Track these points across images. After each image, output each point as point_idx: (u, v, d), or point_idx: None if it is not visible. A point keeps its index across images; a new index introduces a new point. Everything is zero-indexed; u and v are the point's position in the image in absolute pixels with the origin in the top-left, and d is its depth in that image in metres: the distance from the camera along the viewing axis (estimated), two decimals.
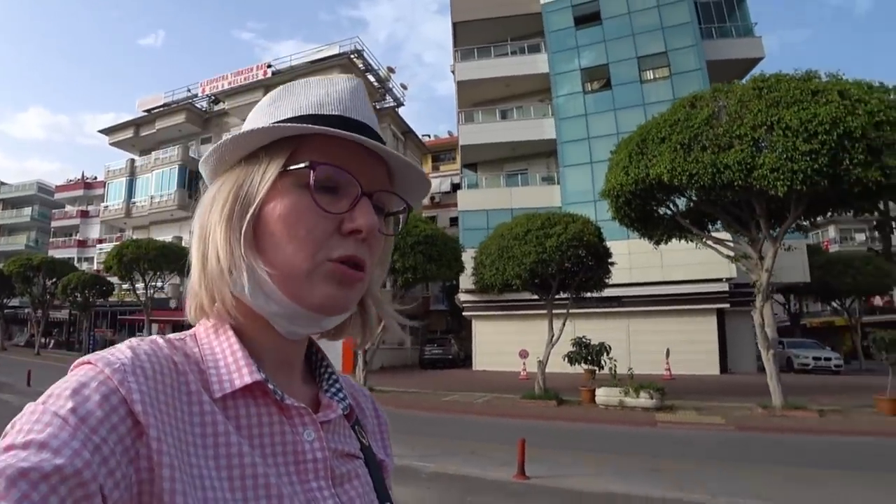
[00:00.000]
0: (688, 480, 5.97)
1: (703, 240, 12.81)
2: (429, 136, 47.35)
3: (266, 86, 28.82)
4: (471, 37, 26.95)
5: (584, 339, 14.44)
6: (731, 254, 12.38)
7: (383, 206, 0.56)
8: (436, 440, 8.42)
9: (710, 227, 13.80)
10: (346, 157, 0.51)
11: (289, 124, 0.51)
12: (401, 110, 34.62)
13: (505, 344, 22.00)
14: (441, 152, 43.82)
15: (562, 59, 24.55)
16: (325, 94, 0.54)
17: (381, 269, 0.60)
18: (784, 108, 9.23)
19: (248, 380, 0.49)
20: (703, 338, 21.43)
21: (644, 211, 13.00)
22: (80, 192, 44.48)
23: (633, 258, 21.08)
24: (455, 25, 27.25)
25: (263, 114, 0.55)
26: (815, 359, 22.41)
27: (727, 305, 21.81)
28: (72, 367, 0.45)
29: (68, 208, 44.53)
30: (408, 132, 35.90)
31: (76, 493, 0.36)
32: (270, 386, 0.50)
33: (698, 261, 19.65)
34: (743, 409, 11.64)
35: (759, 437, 8.98)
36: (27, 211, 46.92)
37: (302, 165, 0.50)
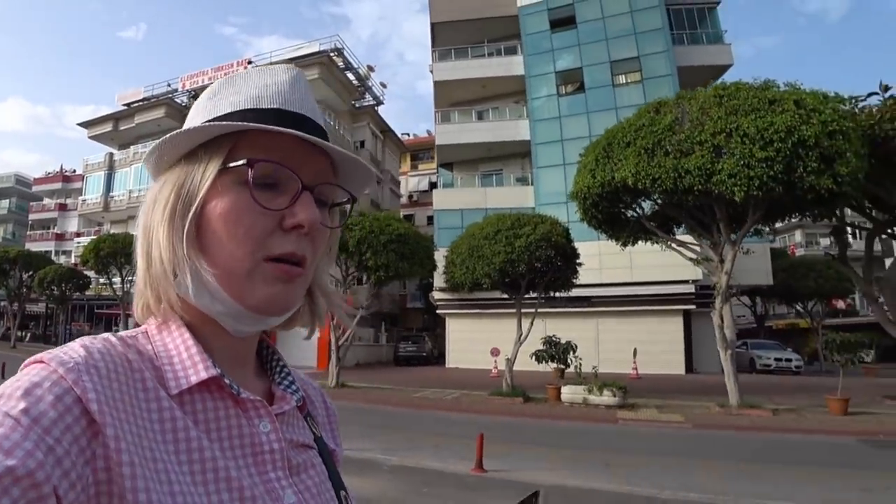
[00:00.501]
0: (639, 475, 6.17)
1: (668, 242, 13.14)
2: (408, 134, 47.35)
3: None
4: (449, 37, 27.08)
5: (553, 338, 14.67)
6: (694, 256, 12.72)
7: (327, 199, 0.56)
8: (402, 435, 8.51)
9: (675, 230, 14.16)
10: (285, 152, 0.51)
11: (223, 122, 0.51)
12: (381, 109, 34.61)
13: (477, 342, 22.20)
14: (420, 151, 43.86)
15: (537, 61, 24.84)
16: (264, 86, 0.54)
17: (327, 259, 0.61)
18: (742, 115, 9.54)
19: (203, 375, 0.49)
20: (670, 338, 21.93)
21: (611, 213, 13.28)
22: (58, 185, 43.68)
23: (603, 259, 21.48)
24: (433, 26, 27.35)
25: (203, 109, 0.55)
26: (776, 360, 23.10)
27: (693, 307, 22.35)
28: (23, 365, 0.44)
29: (46, 201, 43.75)
30: (386, 131, 35.83)
31: (29, 495, 0.35)
32: (226, 381, 0.51)
33: (666, 263, 20.08)
34: (702, 407, 12.00)
35: (714, 435, 9.29)
36: (4, 203, 46.38)
37: (240, 163, 0.50)
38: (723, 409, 11.37)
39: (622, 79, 23.46)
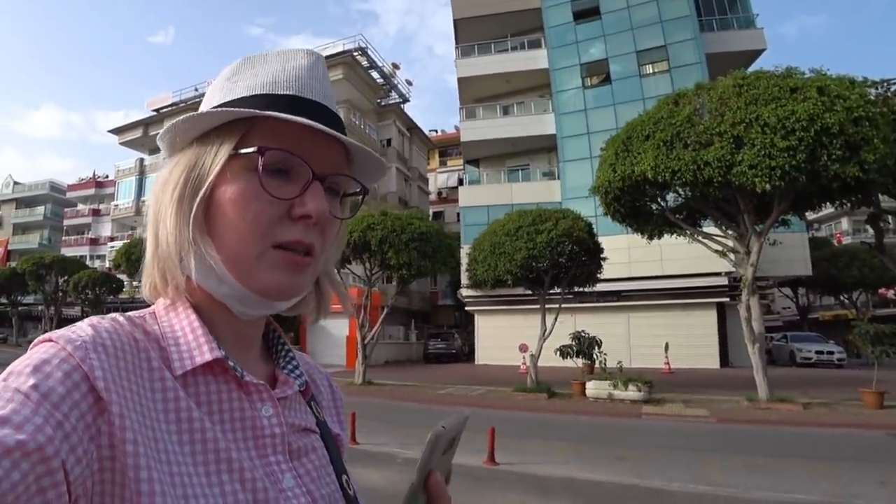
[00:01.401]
0: (651, 468, 6.22)
1: (693, 235, 12.95)
2: (436, 131, 47.53)
3: None
4: (472, 33, 27.11)
5: (582, 334, 14.60)
6: (720, 248, 12.50)
7: (338, 189, 0.56)
8: (421, 430, 8.69)
9: (700, 222, 13.92)
10: (298, 140, 0.51)
11: (236, 109, 0.51)
12: (410, 104, 34.97)
13: (506, 338, 22.27)
14: (448, 147, 43.91)
15: (561, 54, 24.63)
16: (282, 69, 0.54)
17: (336, 249, 0.61)
18: (763, 105, 9.35)
19: (208, 357, 0.49)
20: (703, 331, 21.50)
21: (634, 206, 13.17)
22: (91, 191, 45.21)
23: (632, 252, 21.21)
24: (456, 22, 27.41)
25: (220, 89, 0.55)
26: (817, 353, 22.35)
27: (727, 299, 21.82)
28: (32, 344, 0.45)
29: (80, 207, 45.20)
30: (413, 128, 36.05)
31: (38, 469, 0.36)
32: (230, 363, 0.51)
33: (697, 255, 19.64)
34: (731, 402, 11.81)
35: (738, 429, 9.17)
36: (40, 210, 47.68)
37: (251, 150, 0.50)
38: (751, 404, 11.18)
39: (649, 69, 23.03)
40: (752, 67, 23.77)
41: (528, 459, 6.55)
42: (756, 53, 23.55)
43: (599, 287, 22.09)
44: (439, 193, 41.72)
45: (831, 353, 22.07)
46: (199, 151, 0.52)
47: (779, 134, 9.10)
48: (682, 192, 11.93)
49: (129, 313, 0.52)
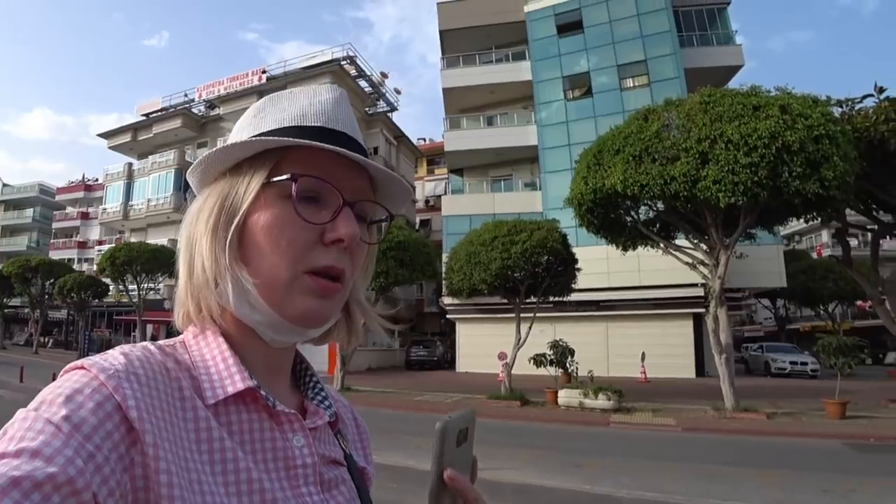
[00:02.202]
0: (605, 475, 6.37)
1: (665, 247, 13.21)
2: (424, 139, 47.81)
3: (260, 91, 29.20)
4: (458, 44, 27.45)
5: (561, 343, 14.71)
6: (690, 261, 12.76)
7: (365, 215, 0.57)
8: (389, 436, 8.81)
9: (674, 234, 14.20)
10: (327, 168, 0.52)
11: (270, 137, 0.52)
12: (401, 112, 35.42)
13: (486, 346, 22.37)
14: (436, 156, 44.06)
15: (545, 66, 25.02)
16: (308, 104, 0.56)
17: (364, 276, 0.62)
18: (727, 122, 9.64)
19: (240, 386, 0.50)
20: (679, 341, 21.81)
21: (609, 218, 13.42)
22: (80, 194, 44.98)
23: (610, 262, 21.52)
24: (442, 33, 27.75)
25: (248, 125, 0.57)
26: (791, 363, 22.74)
27: (703, 310, 22.09)
28: (63, 371, 0.44)
29: (69, 210, 45.03)
30: (400, 137, 36.17)
31: (69, 502, 0.35)
32: (262, 392, 0.51)
33: (674, 266, 19.69)
34: (699, 411, 12.04)
35: (701, 438, 9.37)
36: (29, 212, 47.57)
37: (284, 177, 0.51)
38: (717, 413, 11.41)
39: (630, 82, 23.48)
40: (733, 82, 24.44)
41: (488, 465, 6.66)
42: (734, 69, 24.10)
43: (578, 297, 22.38)
44: (427, 202, 41.85)
45: (805, 363, 22.47)
46: (232, 181, 0.54)
47: (742, 150, 9.38)
48: (653, 206, 12.18)
49: (160, 342, 0.53)
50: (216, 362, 0.52)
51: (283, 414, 0.52)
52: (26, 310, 35.95)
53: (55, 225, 44.77)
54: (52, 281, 30.46)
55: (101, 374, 0.42)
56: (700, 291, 22.09)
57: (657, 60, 22.85)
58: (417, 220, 40.23)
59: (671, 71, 22.52)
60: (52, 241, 44.12)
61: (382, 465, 6.55)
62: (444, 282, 16.15)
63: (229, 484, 0.46)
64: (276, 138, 0.52)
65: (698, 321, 23.34)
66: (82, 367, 0.43)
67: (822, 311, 30.79)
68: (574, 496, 5.53)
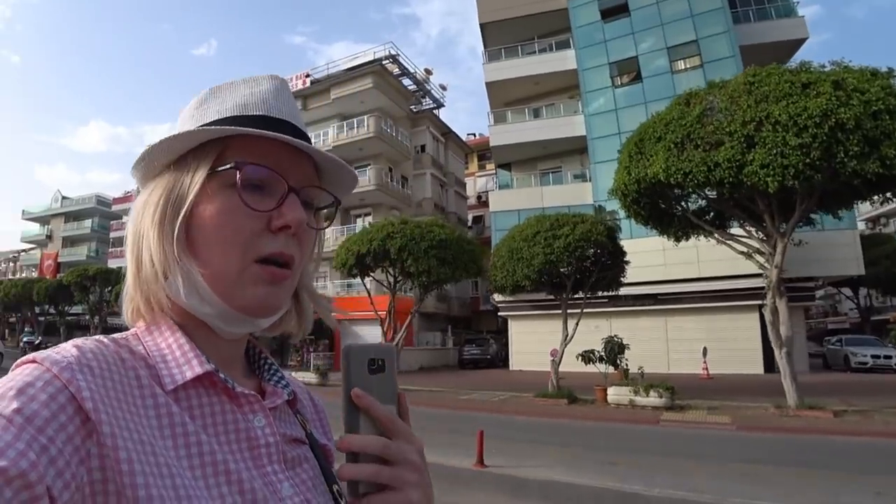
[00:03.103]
0: (638, 474, 6.19)
1: (717, 236, 12.58)
2: (473, 135, 47.56)
3: (304, 95, 30.11)
4: (499, 37, 27.21)
5: (616, 338, 14.28)
6: (745, 250, 12.09)
7: (312, 201, 0.57)
8: (427, 434, 8.95)
9: (728, 223, 13.49)
10: (272, 156, 0.52)
11: (212, 127, 0.52)
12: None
13: (538, 343, 22.11)
14: (487, 151, 43.79)
15: (590, 54, 24.37)
16: (250, 94, 0.56)
17: (314, 264, 0.62)
18: (773, 102, 9.06)
19: (198, 370, 0.50)
20: (745, 335, 20.67)
21: (657, 208, 12.94)
22: None
23: (667, 254, 20.70)
24: (483, 27, 27.55)
25: (190, 117, 0.56)
26: (873, 357, 20.99)
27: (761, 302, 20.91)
28: (14, 365, 0.44)
29: (126, 219, 47.62)
30: (448, 133, 36.17)
31: (22, 496, 0.35)
32: (221, 375, 0.52)
33: (735, 255, 18.93)
34: (759, 408, 11.42)
35: (755, 437, 8.88)
36: (87, 223, 49.61)
37: (228, 166, 0.51)
38: (778, 411, 10.78)
39: (681, 64, 22.47)
40: (796, 57, 22.93)
41: (520, 463, 6.64)
42: (797, 43, 22.55)
43: (634, 290, 21.77)
44: (479, 197, 41.63)
45: (889, 357, 20.68)
46: (177, 174, 0.53)
47: (791, 131, 8.79)
48: (701, 194, 11.63)
49: (113, 335, 0.52)
50: (172, 350, 0.52)
51: (243, 395, 0.53)
52: (87, 317, 37.83)
53: (113, 234, 46.47)
54: (109, 288, 32.07)
55: (54, 367, 0.42)
56: (765, 282, 20.89)
57: (709, 40, 21.72)
58: (470, 216, 40.21)
59: (725, 50, 21.34)
60: (110, 249, 45.91)
61: None
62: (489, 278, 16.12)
63: (195, 466, 0.46)
64: (218, 127, 0.52)
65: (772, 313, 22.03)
66: (34, 361, 0.43)
67: None
68: (599, 493, 5.43)
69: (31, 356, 0.44)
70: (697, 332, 21.10)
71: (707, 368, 19.37)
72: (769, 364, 21.30)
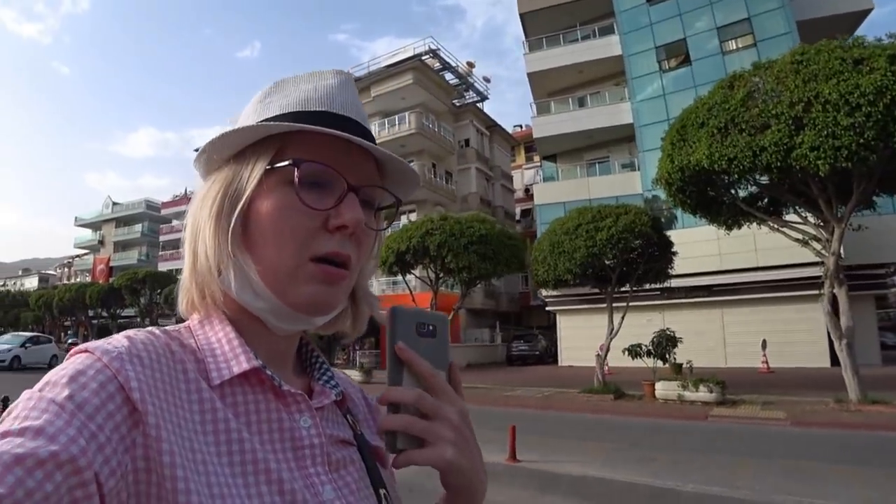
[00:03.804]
0: (674, 470, 6.09)
1: (771, 224, 12.01)
2: (521, 126, 46.99)
3: None
4: (540, 26, 26.72)
5: (668, 331, 13.84)
6: (801, 237, 11.48)
7: (372, 201, 0.56)
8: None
9: (782, 209, 12.82)
10: (332, 153, 0.52)
11: (271, 123, 0.52)
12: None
13: (587, 338, 21.73)
14: (533, 142, 43.18)
15: (635, 38, 23.60)
16: (313, 88, 0.55)
17: (372, 262, 0.61)
18: (823, 81, 8.56)
19: (245, 366, 0.50)
20: (807, 326, 19.53)
21: (705, 196, 12.48)
22: (184, 207, 46.16)
23: (722, 244, 19.86)
24: (522, 17, 27.11)
25: (253, 111, 0.56)
26: None
27: (817, 291, 19.67)
28: (68, 354, 0.45)
29: (174, 223, 47.60)
30: (493, 126, 35.82)
31: (71, 480, 0.36)
32: (268, 372, 0.51)
33: (794, 243, 18.01)
34: (819, 403, 10.86)
35: (810, 433, 8.48)
36: (137, 227, 50.95)
37: (286, 163, 0.50)
38: (838, 406, 10.22)
39: (732, 45, 21.40)
40: (859, 31, 21.39)
41: (550, 458, 6.67)
42: (861, 15, 21.07)
43: (688, 282, 21.06)
44: (526, 190, 41.07)
45: None
46: (236, 168, 0.53)
47: (842, 111, 8.29)
48: (751, 179, 11.12)
49: (166, 327, 0.53)
50: (221, 344, 0.52)
51: (290, 394, 0.52)
52: (138, 320, 39.43)
53: (162, 238, 47.43)
54: (159, 291, 33.21)
55: (105, 357, 0.43)
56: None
57: (763, 17, 20.58)
58: (518, 210, 39.85)
59: (781, 26, 20.16)
60: (160, 253, 46.91)
61: None
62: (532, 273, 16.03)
63: (234, 464, 0.46)
64: (276, 123, 0.52)
65: (835, 303, 20.71)
66: (87, 350, 0.44)
67: None
68: (631, 488, 5.39)
69: (83, 346, 0.45)
70: (756, 324, 20.14)
71: (767, 362, 18.51)
72: (836, 357, 20.05)
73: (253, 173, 0.52)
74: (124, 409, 0.41)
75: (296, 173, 0.50)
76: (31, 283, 70.12)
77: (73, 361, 0.43)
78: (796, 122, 8.84)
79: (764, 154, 9.10)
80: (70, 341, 33.84)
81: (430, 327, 0.53)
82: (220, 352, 0.51)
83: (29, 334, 24.48)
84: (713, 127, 9.94)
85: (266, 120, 0.53)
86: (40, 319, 46.06)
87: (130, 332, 0.48)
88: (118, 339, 0.46)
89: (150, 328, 0.51)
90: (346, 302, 0.58)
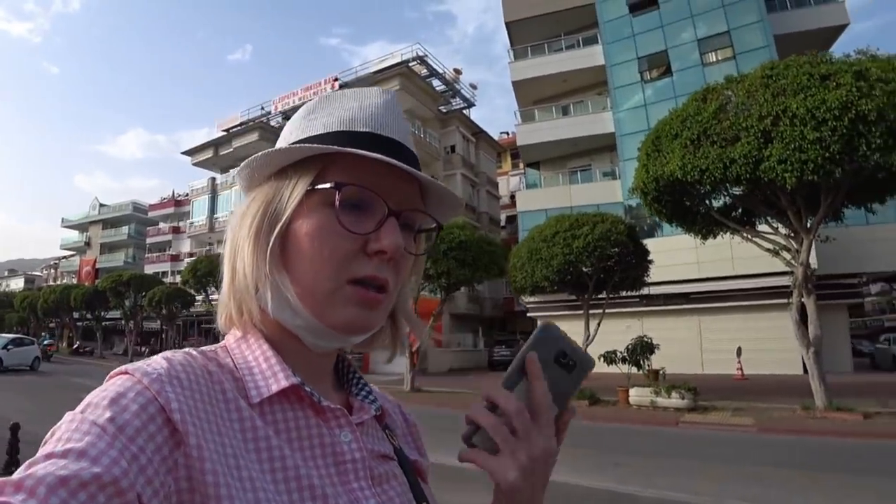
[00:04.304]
0: (638, 475, 6.19)
1: (743, 234, 12.25)
2: (507, 133, 47.31)
3: None
4: (526, 35, 27.04)
5: (646, 339, 14.00)
6: (772, 247, 11.73)
7: (413, 224, 0.56)
8: (436, 434, 9.07)
9: (755, 219, 13.10)
10: (374, 176, 0.51)
11: (313, 145, 0.51)
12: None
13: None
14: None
15: (618, 49, 23.96)
16: (358, 108, 0.55)
17: (413, 285, 0.62)
18: (791, 95, 8.80)
19: (284, 383, 0.50)
20: (782, 334, 19.81)
21: (680, 206, 12.70)
22: (171, 210, 47.49)
23: (700, 252, 20.12)
24: (508, 25, 27.43)
25: (297, 128, 0.56)
26: None
27: (787, 300, 20.06)
28: (108, 376, 0.46)
29: (161, 225, 47.45)
30: (479, 133, 35.98)
31: (114, 502, 0.36)
32: (307, 389, 0.51)
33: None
34: (786, 410, 11.08)
35: (775, 439, 8.66)
36: (124, 229, 50.61)
37: (328, 185, 0.50)
38: (805, 412, 10.44)
39: (712, 57, 21.82)
40: (838, 45, 21.95)
41: None
42: (837, 30, 21.61)
43: (666, 289, 21.35)
44: (512, 197, 41.26)
45: None
46: (277, 186, 0.53)
47: (809, 125, 8.53)
48: (722, 190, 11.35)
49: (202, 348, 0.53)
50: (259, 363, 0.52)
51: (329, 409, 0.52)
52: (122, 322, 38.78)
53: (149, 240, 47.02)
54: (143, 294, 32.69)
55: (145, 378, 0.43)
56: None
57: (742, 30, 21.03)
58: (503, 216, 40.05)
59: (759, 40, 20.62)
60: (146, 255, 46.45)
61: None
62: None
63: (279, 481, 0.46)
64: (317, 146, 0.51)
65: (804, 311, 21.14)
66: (126, 372, 0.45)
67: None
68: (591, 493, 5.47)
69: (123, 367, 0.46)
70: (732, 331, 20.50)
71: (741, 369, 18.82)
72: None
73: (294, 193, 0.52)
74: (165, 431, 0.41)
75: (337, 196, 0.50)
76: (17, 284, 68.97)
77: (114, 383, 0.44)
78: (765, 136, 9.06)
79: (734, 166, 9.31)
80: (45, 343, 33.13)
81: (572, 362, 0.52)
82: (259, 370, 0.51)
83: (11, 336, 23.92)
84: (686, 138, 10.14)
85: (310, 137, 0.53)
86: (25, 321, 45.18)
87: (168, 353, 0.49)
88: (157, 361, 0.47)
89: (186, 349, 0.51)
90: (385, 321, 0.57)
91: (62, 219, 56.98)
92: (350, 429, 0.53)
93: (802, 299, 10.92)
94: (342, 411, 0.53)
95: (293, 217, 0.52)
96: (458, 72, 35.68)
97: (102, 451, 0.38)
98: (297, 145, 0.52)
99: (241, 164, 0.55)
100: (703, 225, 13.19)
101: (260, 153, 0.52)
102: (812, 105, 8.49)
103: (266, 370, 0.51)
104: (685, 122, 10.34)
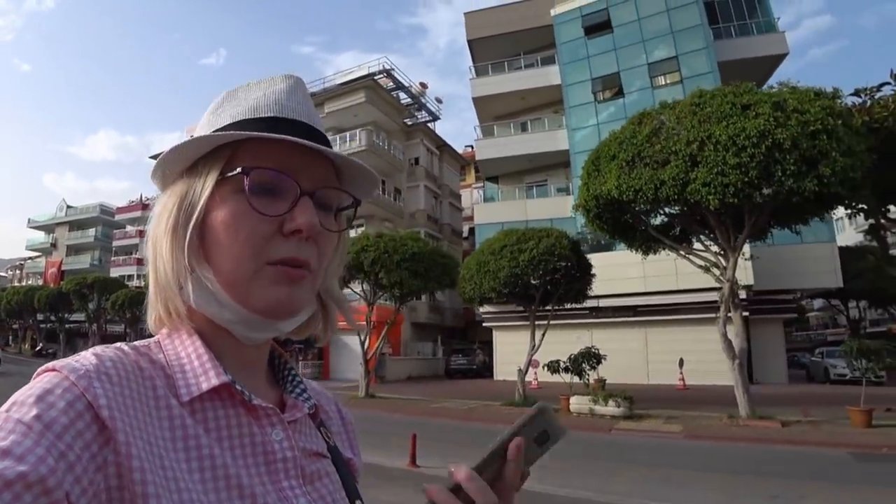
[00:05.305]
0: (555, 476, 6.50)
1: (677, 250, 12.93)
2: (471, 146, 48.02)
3: None
4: (487, 53, 27.77)
5: (592, 349, 14.44)
6: (704, 264, 12.43)
7: (331, 203, 0.56)
8: (379, 438, 9.26)
9: (690, 237, 13.84)
10: (283, 158, 0.51)
11: (216, 133, 0.51)
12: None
13: (519, 354, 22.18)
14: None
15: (573, 69, 24.85)
16: (263, 95, 0.54)
17: (338, 264, 0.61)
18: (715, 122, 9.47)
19: (214, 382, 0.49)
20: (720, 346, 20.70)
21: (621, 222, 13.30)
22: (138, 213, 47.15)
23: (647, 267, 20.95)
24: (470, 43, 28.12)
25: (206, 123, 0.56)
26: (853, 369, 21.15)
27: (747, 313, 21.13)
28: (35, 373, 0.44)
29: (128, 228, 47.34)
30: (443, 146, 36.48)
31: (40, 501, 0.35)
32: (238, 387, 0.51)
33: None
34: (715, 419, 11.70)
35: (698, 445, 9.18)
36: (91, 232, 50.17)
37: (236, 171, 0.50)
38: (729, 421, 11.06)
39: (662, 80, 22.90)
40: (777, 73, 23.34)
41: (447, 463, 6.97)
42: (778, 59, 23.00)
43: (615, 302, 22.10)
44: (473, 209, 41.84)
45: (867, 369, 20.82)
46: (189, 181, 0.53)
47: (730, 151, 9.19)
48: (658, 209, 12.01)
49: (134, 343, 0.52)
50: (190, 360, 0.51)
51: (261, 408, 0.52)
52: (86, 325, 38.23)
53: (115, 243, 46.86)
54: (107, 297, 32.24)
55: (72, 375, 0.42)
56: (743, 294, 21.12)
57: (689, 56, 22.18)
58: (466, 228, 40.53)
59: (704, 66, 21.78)
60: (113, 258, 46.15)
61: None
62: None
63: (206, 480, 0.46)
64: (220, 133, 0.51)
65: (747, 326, 22.23)
66: (54, 369, 0.43)
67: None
68: None
69: (51, 364, 0.44)
70: (675, 343, 21.34)
71: (683, 379, 19.61)
72: (749, 375, 21.51)
73: (205, 184, 0.52)
74: (94, 428, 0.40)
75: (246, 181, 0.50)
76: None
77: (41, 380, 0.42)
78: (692, 159, 9.70)
79: (664, 187, 9.91)
80: None
81: (547, 437, 0.54)
82: (190, 367, 0.51)
83: None
84: (622, 160, 10.72)
85: (217, 130, 0.54)
86: None
87: (98, 348, 0.48)
88: (86, 357, 0.45)
89: (118, 344, 0.50)
90: (314, 306, 0.58)
91: (28, 219, 55.45)
92: (282, 427, 0.53)
93: (729, 314, 11.57)
94: (274, 409, 0.53)
95: (208, 208, 0.52)
96: (423, 85, 36.23)
97: (28, 448, 0.37)
98: (201, 136, 0.53)
99: (154, 164, 0.54)
100: (643, 241, 13.85)
101: (167, 150, 0.52)
102: (733, 132, 9.16)
103: (197, 367, 0.50)
104: (622, 145, 10.93)
